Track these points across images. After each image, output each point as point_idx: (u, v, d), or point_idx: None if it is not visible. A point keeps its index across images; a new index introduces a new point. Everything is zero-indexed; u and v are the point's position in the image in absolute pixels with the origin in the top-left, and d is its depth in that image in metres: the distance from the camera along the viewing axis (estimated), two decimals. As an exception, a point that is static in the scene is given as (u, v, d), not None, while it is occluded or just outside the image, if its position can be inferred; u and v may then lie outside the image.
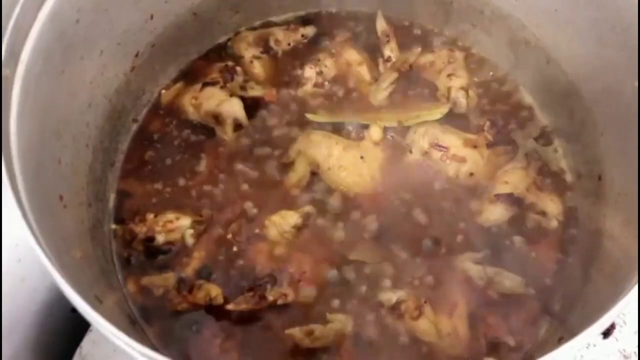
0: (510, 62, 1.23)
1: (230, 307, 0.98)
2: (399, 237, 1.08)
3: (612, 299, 0.78)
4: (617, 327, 1.09)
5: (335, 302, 1.03)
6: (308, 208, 1.09)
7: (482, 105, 1.20)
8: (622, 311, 1.03)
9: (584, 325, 0.84)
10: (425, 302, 1.01)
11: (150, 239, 1.07)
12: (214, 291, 1.01)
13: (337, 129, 1.17)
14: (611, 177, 1.00)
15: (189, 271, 1.06)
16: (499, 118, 1.18)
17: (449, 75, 1.20)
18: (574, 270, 1.03)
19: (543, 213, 1.08)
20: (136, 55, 1.14)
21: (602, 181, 1.02)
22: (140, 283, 1.06)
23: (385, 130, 1.16)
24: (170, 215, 1.08)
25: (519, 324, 1.01)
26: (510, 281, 1.02)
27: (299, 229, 1.07)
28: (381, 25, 1.27)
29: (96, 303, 0.80)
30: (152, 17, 1.12)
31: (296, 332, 0.95)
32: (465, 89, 1.19)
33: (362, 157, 1.12)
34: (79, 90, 1.01)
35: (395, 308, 1.01)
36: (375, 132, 1.15)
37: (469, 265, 1.04)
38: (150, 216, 1.08)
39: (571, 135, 1.13)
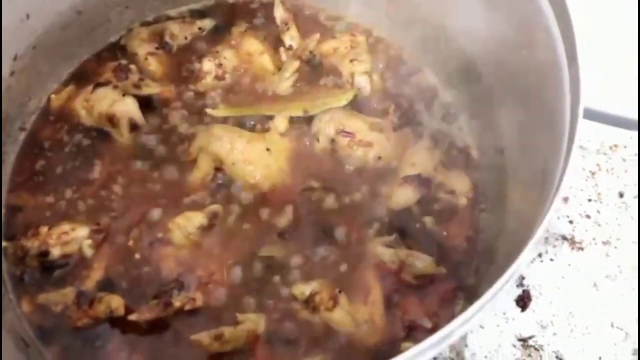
0: (411, 42, 1.22)
1: (132, 317, 0.93)
2: (310, 227, 1.05)
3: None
4: (534, 298, 1.10)
5: (248, 302, 0.99)
6: (214, 207, 1.04)
7: (386, 88, 1.19)
8: (522, 275, 1.05)
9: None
10: (339, 291, 0.98)
11: (44, 254, 0.99)
12: (115, 302, 0.95)
13: (241, 123, 1.13)
14: (511, 150, 1.00)
15: (89, 284, 0.99)
16: (403, 100, 1.17)
17: (351, 61, 1.18)
18: (484, 245, 1.03)
19: (452, 192, 1.08)
20: (14, 59, 1.06)
21: (504, 155, 1.02)
22: (35, 301, 0.98)
23: (290, 120, 1.13)
24: (66, 227, 1.01)
25: (434, 305, 1.00)
26: (422, 262, 1.00)
27: (205, 229, 1.03)
28: (280, 13, 1.23)
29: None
30: (27, 16, 1.05)
31: (203, 337, 0.91)
32: (369, 73, 1.17)
33: (268, 149, 1.09)
34: (-56, 100, 0.93)
35: (309, 301, 0.97)
36: (280, 123, 1.12)
37: (381, 249, 1.02)
38: (43, 230, 1.01)
39: (474, 112, 1.13)
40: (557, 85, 0.80)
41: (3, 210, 1.06)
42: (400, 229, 1.05)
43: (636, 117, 1.24)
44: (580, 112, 0.73)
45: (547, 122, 0.84)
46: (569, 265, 1.14)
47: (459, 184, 1.09)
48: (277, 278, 1.00)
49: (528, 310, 1.10)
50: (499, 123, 1.04)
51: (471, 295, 1.00)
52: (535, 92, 0.88)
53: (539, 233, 0.64)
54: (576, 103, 0.75)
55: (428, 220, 1.06)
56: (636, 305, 1.09)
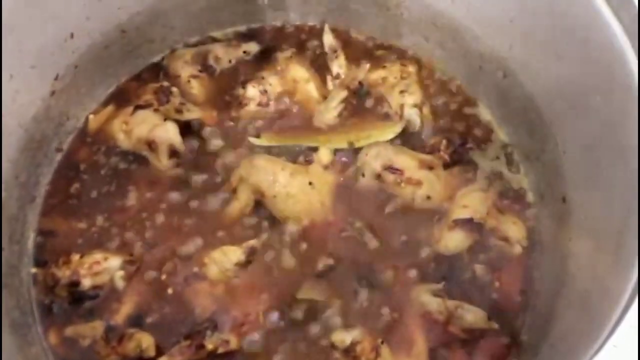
0: (467, 76, 1.16)
1: (163, 360, 0.88)
2: (352, 269, 0.99)
3: (587, 335, 0.71)
4: None
5: (284, 347, 0.93)
6: (252, 242, 0.99)
7: (437, 123, 1.12)
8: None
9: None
10: (382, 342, 0.92)
11: (75, 284, 0.96)
12: (146, 341, 0.90)
13: (283, 153, 1.08)
14: (576, 198, 0.93)
15: (119, 318, 0.95)
16: (455, 136, 1.10)
17: (401, 92, 1.12)
18: (541, 300, 0.96)
19: (505, 238, 1.01)
20: (56, 78, 1.03)
21: (567, 203, 0.95)
22: (63, 334, 0.95)
23: (335, 152, 1.07)
24: (98, 256, 0.98)
25: (484, 362, 0.93)
26: (472, 315, 0.94)
27: (242, 265, 0.98)
28: (328, 39, 1.19)
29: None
30: (72, 35, 1.02)
31: (237, 386, 0.86)
32: (419, 106, 1.11)
33: (310, 183, 1.03)
34: (-17, 120, 0.90)
35: (349, 350, 0.92)
36: (324, 155, 1.07)
37: (428, 298, 0.96)
38: (75, 257, 0.97)
39: (532, 154, 1.06)
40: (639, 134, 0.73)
41: (34, 235, 1.02)
42: (449, 276, 0.98)
43: None
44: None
45: (625, 174, 0.76)
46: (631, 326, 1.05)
47: (514, 230, 1.02)
48: (315, 323, 0.95)
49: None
50: (561, 168, 0.96)
51: (525, 353, 0.93)
52: (611, 138, 0.81)
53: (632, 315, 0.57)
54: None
55: (479, 268, 0.99)
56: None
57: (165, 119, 1.06)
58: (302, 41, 1.22)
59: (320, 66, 1.18)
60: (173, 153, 1.06)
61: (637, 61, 0.77)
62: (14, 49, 0.90)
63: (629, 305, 0.66)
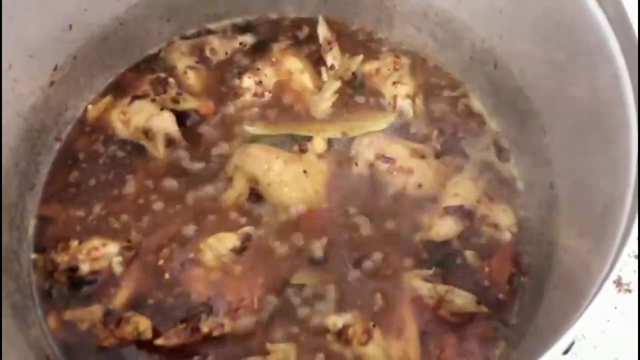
0: (458, 67, 1.18)
1: (159, 342, 0.90)
2: (345, 255, 1.01)
3: (569, 314, 0.73)
4: (576, 341, 1.04)
5: (278, 331, 0.95)
6: (247, 228, 1.01)
7: (429, 113, 1.14)
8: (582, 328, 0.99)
9: (540, 342, 0.79)
10: (373, 325, 0.94)
11: (73, 269, 0.98)
12: (143, 324, 0.92)
13: (277, 142, 1.09)
14: (562, 185, 0.95)
15: (117, 302, 0.97)
16: (447, 126, 1.12)
17: (394, 83, 1.15)
18: (529, 285, 0.98)
19: (495, 225, 1.03)
20: (55, 69, 1.05)
21: (554, 190, 0.97)
22: (62, 318, 0.97)
23: (329, 142, 1.09)
24: (96, 242, 1.00)
25: (474, 345, 0.95)
26: (462, 299, 0.96)
27: (237, 251, 1.00)
28: (323, 31, 1.21)
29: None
30: (70, 27, 1.04)
31: (231, 367, 0.88)
32: (412, 97, 1.13)
33: (304, 171, 1.05)
34: (-18, 109, 0.92)
35: (341, 333, 0.94)
36: (318, 144, 1.09)
37: (419, 283, 0.98)
38: (74, 243, 0.99)
39: (522, 142, 1.08)
40: (622, 123, 0.75)
41: (34, 222, 1.04)
42: (440, 262, 1.00)
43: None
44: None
45: (608, 161, 0.78)
46: (615, 308, 1.08)
47: (503, 218, 1.04)
48: (309, 307, 0.97)
49: (570, 354, 1.04)
50: (550, 156, 0.98)
51: (513, 335, 0.95)
52: (595, 127, 0.83)
53: (601, 295, 0.59)
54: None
55: (469, 254, 1.01)
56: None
57: (162, 109, 1.09)
58: (297, 33, 1.24)
59: (315, 57, 1.20)
60: (170, 142, 1.08)
61: (620, 50, 0.79)
62: (13, 38, 0.92)
63: (603, 284, 0.68)
